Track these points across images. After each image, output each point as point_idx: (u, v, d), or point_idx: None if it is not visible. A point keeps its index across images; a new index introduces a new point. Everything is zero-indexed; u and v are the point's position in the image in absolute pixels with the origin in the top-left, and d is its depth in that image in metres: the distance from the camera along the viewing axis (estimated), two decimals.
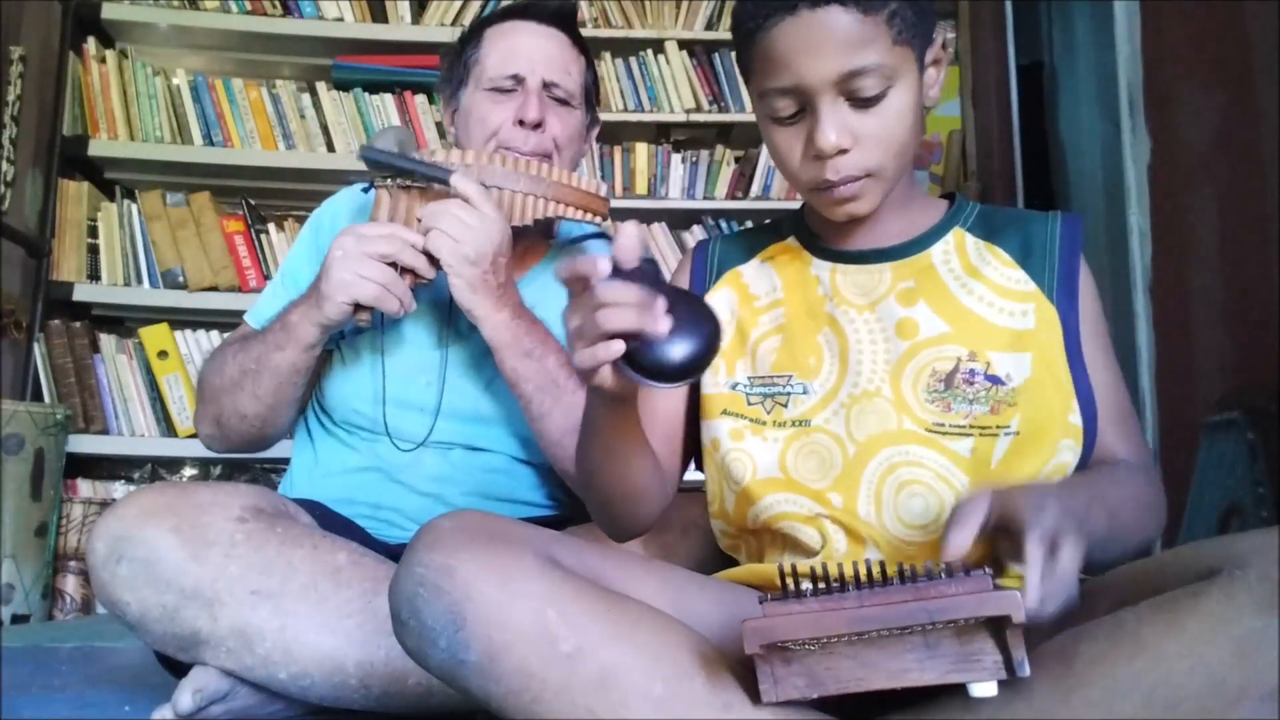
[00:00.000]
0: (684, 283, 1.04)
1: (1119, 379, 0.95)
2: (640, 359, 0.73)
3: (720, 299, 1.00)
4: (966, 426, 0.87)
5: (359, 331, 1.29)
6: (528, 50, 1.28)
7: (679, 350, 0.74)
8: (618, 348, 0.72)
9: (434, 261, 1.16)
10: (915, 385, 0.89)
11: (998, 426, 0.87)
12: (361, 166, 1.20)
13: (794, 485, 0.90)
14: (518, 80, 1.27)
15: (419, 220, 1.17)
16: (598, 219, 1.25)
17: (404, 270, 1.16)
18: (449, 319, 1.29)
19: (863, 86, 0.84)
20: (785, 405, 0.92)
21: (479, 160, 1.20)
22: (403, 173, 1.18)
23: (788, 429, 0.91)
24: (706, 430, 0.96)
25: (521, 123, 1.25)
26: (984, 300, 0.91)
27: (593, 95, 1.36)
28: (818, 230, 0.99)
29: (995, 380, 0.88)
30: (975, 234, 0.96)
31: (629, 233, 0.74)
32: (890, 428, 0.88)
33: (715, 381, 0.96)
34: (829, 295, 0.95)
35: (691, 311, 0.76)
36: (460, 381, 1.27)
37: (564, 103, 1.29)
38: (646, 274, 0.74)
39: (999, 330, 0.90)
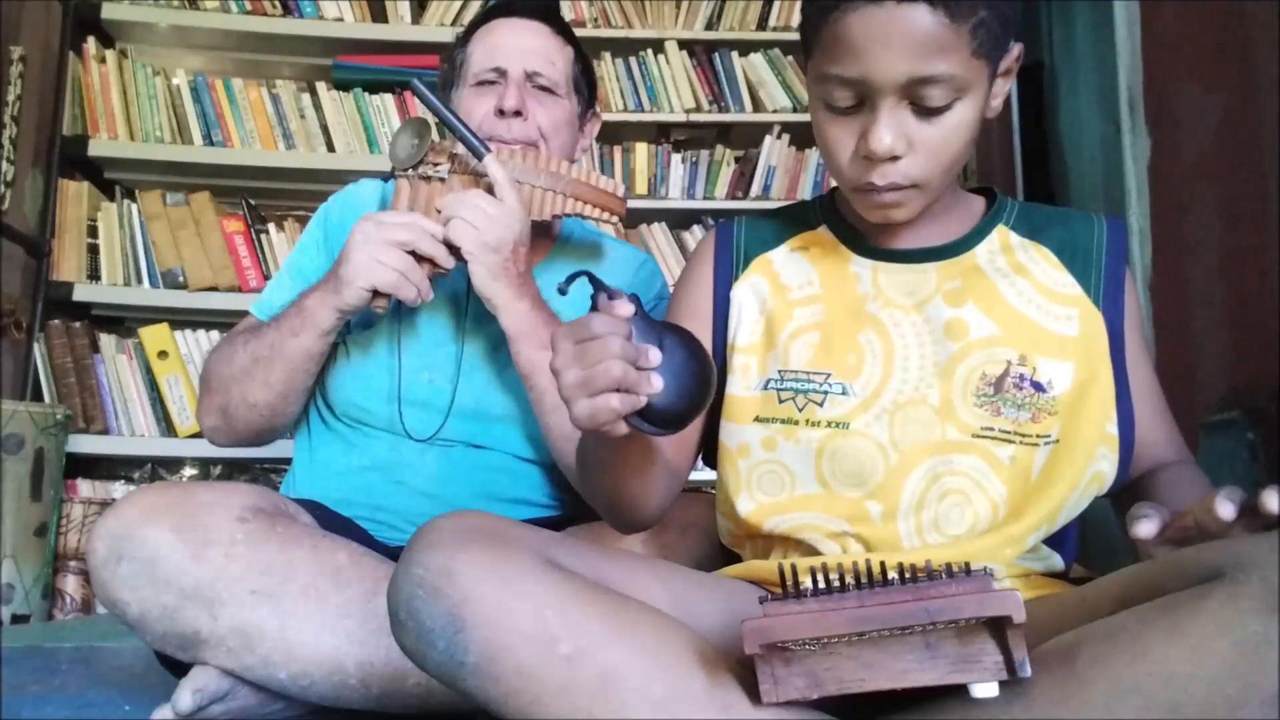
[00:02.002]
0: (707, 268, 1.01)
1: (1157, 383, 0.95)
2: (647, 416, 0.73)
3: (750, 288, 0.97)
4: (1012, 433, 0.86)
5: (368, 326, 1.29)
6: (509, 43, 1.31)
7: (677, 398, 0.73)
8: (619, 404, 0.71)
9: (453, 252, 1.17)
10: (965, 389, 0.87)
11: (1038, 435, 0.85)
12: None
13: (830, 500, 0.87)
14: (500, 73, 1.29)
15: (438, 211, 1.18)
16: (615, 218, 1.25)
17: (422, 259, 1.16)
18: (464, 315, 1.30)
19: (930, 95, 0.80)
20: (820, 404, 0.89)
21: (500, 154, 1.21)
22: (443, 123, 1.20)
23: (822, 429, 0.88)
24: (732, 434, 0.93)
25: (502, 112, 1.26)
26: (1031, 302, 0.90)
27: (583, 85, 1.36)
28: (856, 225, 0.97)
29: (1039, 387, 0.87)
30: (1019, 232, 0.94)
31: (625, 309, 0.73)
32: (934, 438, 0.86)
33: (746, 384, 0.93)
34: (871, 295, 0.93)
35: (686, 353, 0.75)
36: (472, 378, 1.28)
37: (548, 91, 1.31)
38: (637, 318, 0.73)
39: (1046, 334, 0.89)
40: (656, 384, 0.71)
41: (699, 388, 0.75)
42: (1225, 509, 0.69)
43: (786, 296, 0.95)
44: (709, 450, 0.99)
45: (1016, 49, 0.87)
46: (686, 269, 1.04)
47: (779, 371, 0.92)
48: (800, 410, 0.90)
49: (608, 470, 0.87)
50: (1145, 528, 0.73)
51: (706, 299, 0.99)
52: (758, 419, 0.91)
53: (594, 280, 0.75)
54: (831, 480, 0.88)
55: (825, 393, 0.89)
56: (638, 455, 0.85)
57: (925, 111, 0.81)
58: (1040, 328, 0.89)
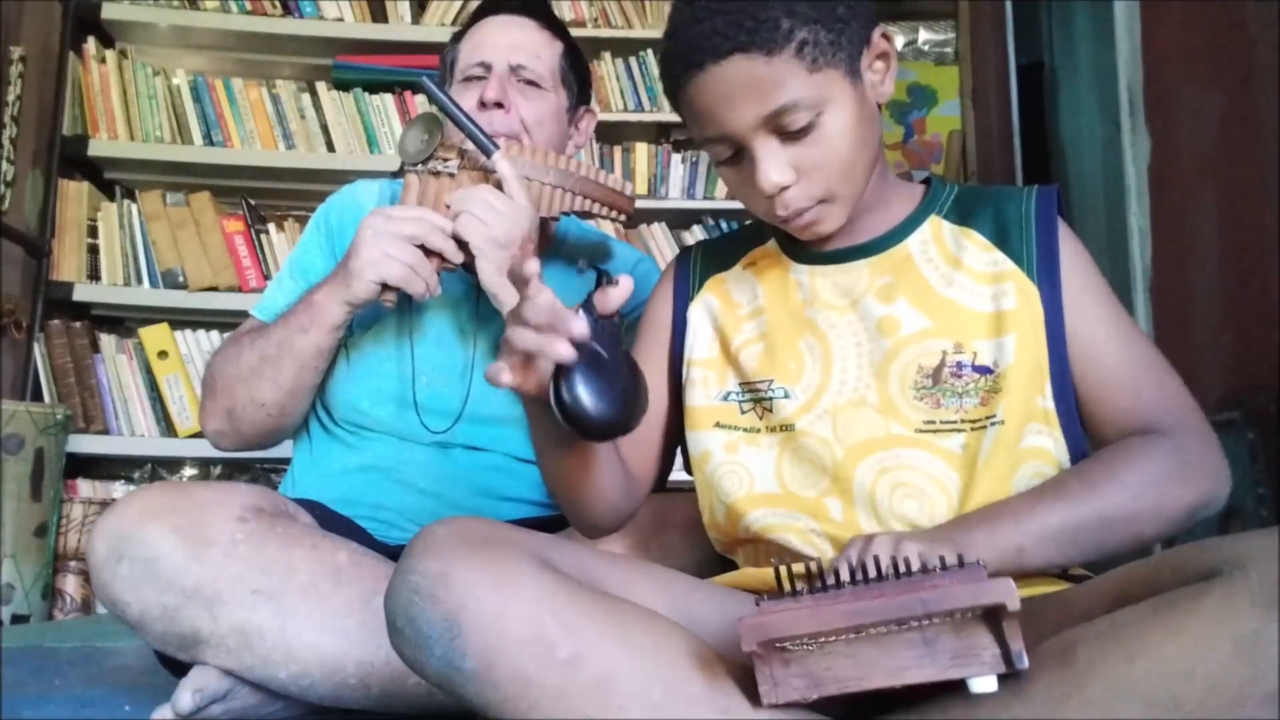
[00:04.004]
0: (667, 291, 1.04)
1: (1134, 336, 0.92)
2: (562, 406, 0.75)
3: (703, 306, 1.00)
4: (958, 422, 0.86)
5: (368, 326, 1.29)
6: (494, 38, 1.31)
7: (597, 408, 0.74)
8: (506, 380, 0.75)
9: (462, 247, 1.17)
10: (902, 384, 0.88)
11: (987, 418, 0.85)
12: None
13: (790, 499, 0.89)
14: (485, 67, 1.30)
15: (448, 207, 1.18)
16: (623, 217, 1.26)
17: (431, 254, 1.17)
18: (472, 318, 1.30)
19: (790, 122, 0.83)
20: (770, 409, 0.92)
21: (509, 151, 1.21)
22: (451, 120, 1.20)
23: (779, 434, 0.91)
24: (695, 442, 0.96)
25: (484, 104, 1.27)
26: (964, 289, 0.90)
27: (572, 80, 1.36)
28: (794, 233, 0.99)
29: (984, 370, 0.87)
30: (951, 219, 0.94)
31: (625, 287, 0.75)
32: (878, 434, 0.87)
33: (705, 395, 0.96)
34: (809, 300, 0.95)
35: (629, 374, 0.78)
36: (482, 383, 1.28)
37: (533, 85, 1.31)
38: (605, 328, 0.75)
39: (981, 317, 0.88)
40: (564, 352, 0.72)
41: (629, 408, 0.78)
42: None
43: (736, 313, 0.99)
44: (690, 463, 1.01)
45: (876, 35, 0.88)
46: (652, 293, 1.08)
47: (739, 384, 0.95)
48: (760, 419, 0.93)
49: (557, 473, 0.90)
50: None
51: (666, 320, 1.03)
52: (718, 424, 0.94)
53: (601, 276, 0.77)
54: (791, 482, 0.90)
55: (770, 398, 0.92)
56: (577, 461, 0.87)
57: (794, 136, 0.83)
58: (975, 313, 0.89)
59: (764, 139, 0.84)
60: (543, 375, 0.76)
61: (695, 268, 1.04)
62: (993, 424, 0.85)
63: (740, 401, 0.94)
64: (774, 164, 0.84)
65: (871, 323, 0.91)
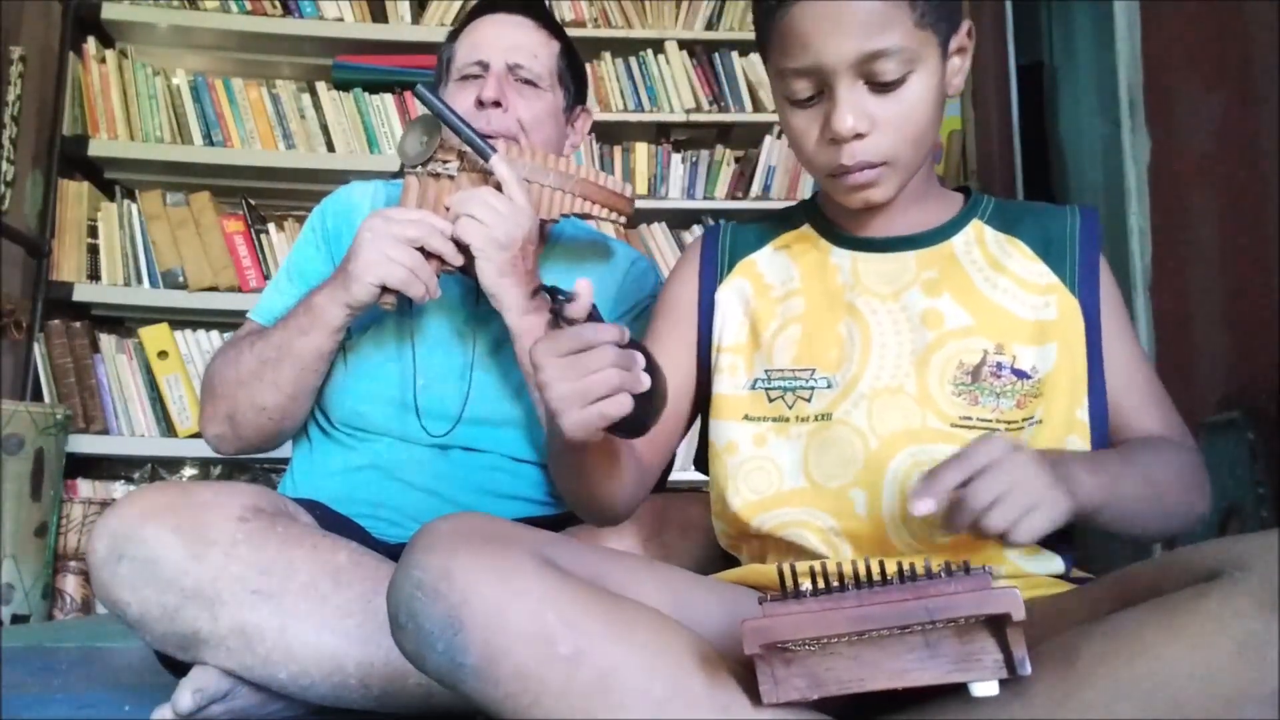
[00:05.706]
0: (692, 271, 1.03)
1: (1145, 361, 0.95)
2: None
3: (734, 290, 0.99)
4: (994, 421, 0.86)
5: (366, 328, 1.29)
6: (491, 37, 1.31)
7: (644, 408, 0.77)
8: (614, 410, 0.73)
9: (462, 250, 1.17)
10: (942, 377, 0.88)
11: (1024, 419, 0.86)
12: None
13: (815, 492, 0.89)
14: (482, 66, 1.29)
15: (447, 209, 1.18)
16: (622, 219, 1.26)
17: (430, 256, 1.17)
18: (471, 322, 1.30)
19: (883, 70, 0.83)
20: (809, 400, 0.91)
21: (509, 152, 1.21)
22: (448, 126, 1.20)
23: (810, 423, 0.90)
24: (721, 432, 0.94)
25: (481, 103, 1.26)
26: (1008, 293, 0.91)
27: (569, 79, 1.36)
28: (834, 218, 0.98)
29: (1021, 374, 0.88)
30: (994, 226, 0.95)
31: (585, 289, 0.74)
32: (914, 425, 0.87)
33: (734, 384, 0.95)
34: (850, 284, 0.94)
35: (648, 362, 0.79)
36: (479, 385, 1.28)
37: (531, 84, 1.30)
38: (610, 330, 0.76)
39: (1024, 323, 0.90)
40: (646, 382, 0.74)
41: (660, 397, 0.81)
42: (920, 506, 0.70)
43: (769, 295, 0.97)
44: (700, 455, 1.00)
45: (965, 26, 0.90)
46: (673, 273, 1.06)
47: (766, 371, 0.94)
48: (790, 407, 0.92)
49: (580, 472, 0.89)
50: (922, 506, 0.71)
51: (692, 302, 1.01)
52: (747, 417, 0.93)
53: (550, 290, 0.76)
54: (816, 472, 0.89)
55: (812, 388, 0.91)
56: (608, 458, 0.87)
57: (881, 87, 0.84)
58: (1017, 318, 0.90)
59: (851, 81, 0.84)
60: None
61: (724, 250, 1.02)
62: (1030, 424, 0.86)
63: (767, 389, 0.93)
64: (855, 109, 0.84)
65: (915, 314, 0.91)
